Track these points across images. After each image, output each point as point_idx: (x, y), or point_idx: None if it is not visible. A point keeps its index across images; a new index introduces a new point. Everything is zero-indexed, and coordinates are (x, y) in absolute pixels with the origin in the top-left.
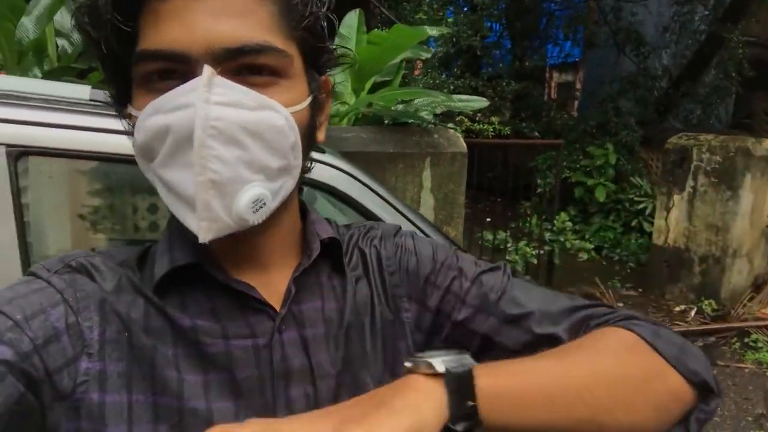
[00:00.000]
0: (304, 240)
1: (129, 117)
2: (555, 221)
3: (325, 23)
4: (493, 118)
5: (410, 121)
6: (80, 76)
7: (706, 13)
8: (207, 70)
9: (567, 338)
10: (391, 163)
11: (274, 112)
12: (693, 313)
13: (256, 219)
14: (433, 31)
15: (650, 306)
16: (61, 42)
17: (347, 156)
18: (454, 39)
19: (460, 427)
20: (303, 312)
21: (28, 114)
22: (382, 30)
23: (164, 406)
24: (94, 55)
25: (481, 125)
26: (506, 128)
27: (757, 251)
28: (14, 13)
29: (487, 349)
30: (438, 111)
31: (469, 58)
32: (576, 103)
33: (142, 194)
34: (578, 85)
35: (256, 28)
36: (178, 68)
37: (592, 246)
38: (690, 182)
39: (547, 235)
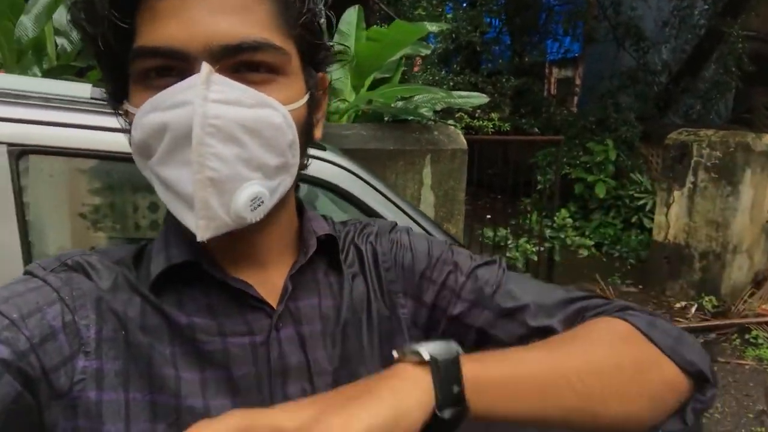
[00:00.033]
0: (300, 237)
1: (125, 114)
2: (555, 218)
3: (324, 20)
4: (493, 115)
5: (410, 117)
6: (79, 75)
7: (706, 7)
8: (205, 67)
9: (562, 330)
10: (392, 160)
11: (272, 110)
12: (693, 309)
13: (254, 217)
14: (432, 27)
15: (650, 302)
16: (61, 40)
17: (347, 153)
18: (454, 35)
19: (446, 413)
20: (300, 309)
21: (30, 113)
22: (381, 26)
23: (161, 404)
24: (90, 51)
25: (481, 122)
26: (506, 124)
27: (758, 247)
28: (13, 12)
29: (483, 343)
30: (438, 108)
31: (469, 54)
32: (576, 98)
33: (143, 192)
34: (578, 81)
35: (254, 25)
36: (175, 65)
37: (592, 242)
38: (690, 178)
39: (548, 232)
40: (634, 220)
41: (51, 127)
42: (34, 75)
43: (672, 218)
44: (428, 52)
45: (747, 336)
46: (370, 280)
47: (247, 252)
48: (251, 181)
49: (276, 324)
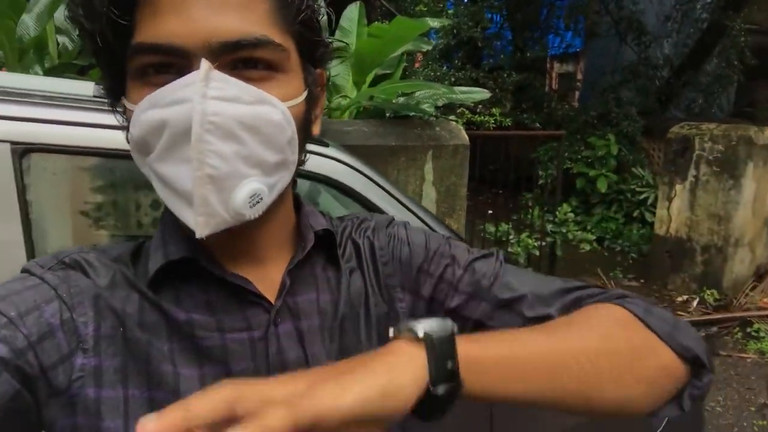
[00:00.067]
0: (298, 233)
1: (123, 110)
2: (557, 212)
3: (323, 17)
4: (494, 110)
5: (412, 113)
6: (81, 73)
7: (708, 1)
8: (204, 64)
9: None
10: (393, 156)
11: (271, 107)
12: (695, 303)
13: (252, 214)
14: (434, 23)
15: (652, 296)
16: (62, 39)
17: (349, 150)
18: (455, 31)
19: (440, 389)
20: (298, 304)
21: (33, 111)
22: (382, 23)
23: (160, 401)
24: (88, 47)
25: (482, 117)
26: (507, 120)
27: (760, 240)
28: (15, 11)
29: None
30: (439, 103)
31: (470, 50)
32: (577, 93)
33: (145, 190)
34: (579, 76)
35: (253, 22)
36: (174, 62)
37: (594, 237)
38: (692, 172)
39: (549, 227)
40: (635, 214)
41: (54, 126)
42: (36, 74)
43: (674, 212)
44: (429, 48)
45: (749, 329)
46: (368, 275)
47: (246, 248)
48: (250, 178)
49: (274, 319)
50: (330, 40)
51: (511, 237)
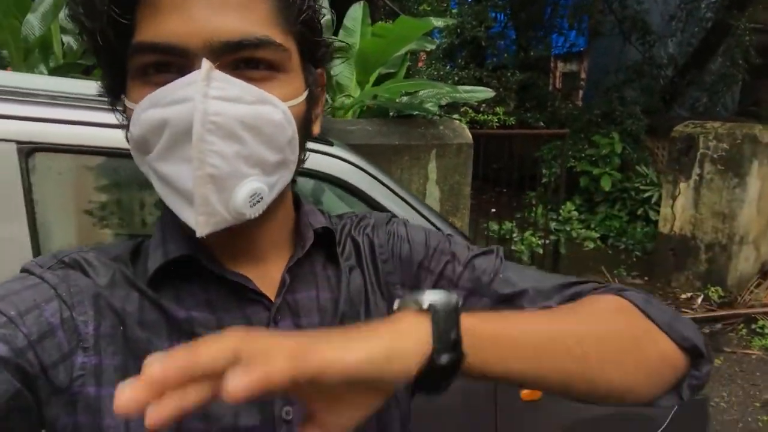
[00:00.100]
0: (297, 231)
1: (123, 109)
2: (561, 211)
3: (326, 17)
4: (498, 109)
5: (415, 112)
6: (86, 73)
7: (713, 0)
8: (206, 63)
9: None
10: (397, 155)
11: (272, 107)
12: (699, 300)
13: (253, 213)
14: (437, 22)
15: (657, 294)
16: (67, 39)
17: (352, 148)
18: (459, 30)
19: (443, 359)
20: (298, 301)
21: (38, 110)
22: (386, 22)
23: None
24: (88, 45)
25: (486, 116)
26: (511, 119)
27: (764, 238)
28: (20, 10)
29: None
30: (443, 102)
31: (474, 49)
32: (581, 92)
33: (150, 189)
34: (583, 75)
35: (254, 22)
36: (175, 61)
37: (597, 235)
38: (696, 170)
39: (553, 225)
40: (639, 212)
41: (59, 125)
42: (41, 73)
43: (678, 210)
44: (433, 47)
45: (753, 326)
46: (368, 273)
47: (245, 246)
48: (250, 178)
49: (274, 317)
50: (331, 40)
51: (514, 235)
